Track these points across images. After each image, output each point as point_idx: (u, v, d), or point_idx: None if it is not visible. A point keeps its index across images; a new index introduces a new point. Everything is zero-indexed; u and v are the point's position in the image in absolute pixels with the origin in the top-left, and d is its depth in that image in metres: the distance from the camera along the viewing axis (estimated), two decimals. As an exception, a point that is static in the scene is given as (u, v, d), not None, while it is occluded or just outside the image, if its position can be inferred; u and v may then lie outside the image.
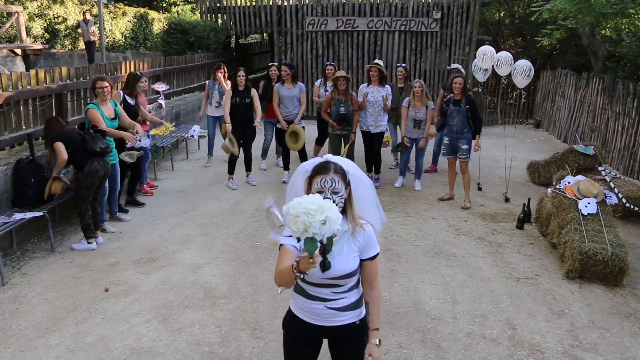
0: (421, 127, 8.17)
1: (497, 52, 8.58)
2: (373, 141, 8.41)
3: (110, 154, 6.30)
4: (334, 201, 2.46)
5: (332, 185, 2.52)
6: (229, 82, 9.24)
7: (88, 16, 14.70)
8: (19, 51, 11.72)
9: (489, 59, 8.57)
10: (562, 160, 8.27)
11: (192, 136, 9.74)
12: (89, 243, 5.98)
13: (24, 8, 13.04)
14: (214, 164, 9.64)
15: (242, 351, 4.17)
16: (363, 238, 2.63)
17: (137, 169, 7.41)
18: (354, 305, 2.71)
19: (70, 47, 15.67)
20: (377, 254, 2.70)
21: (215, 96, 9.42)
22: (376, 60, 8.90)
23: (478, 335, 4.45)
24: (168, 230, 6.66)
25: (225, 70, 9.45)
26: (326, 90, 9.03)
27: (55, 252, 5.95)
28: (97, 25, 14.90)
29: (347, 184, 2.59)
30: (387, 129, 8.54)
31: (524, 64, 8.16)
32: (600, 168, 7.68)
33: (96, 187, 6.01)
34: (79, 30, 14.71)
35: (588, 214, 5.97)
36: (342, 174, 2.57)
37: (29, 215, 5.76)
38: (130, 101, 7.14)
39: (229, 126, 8.12)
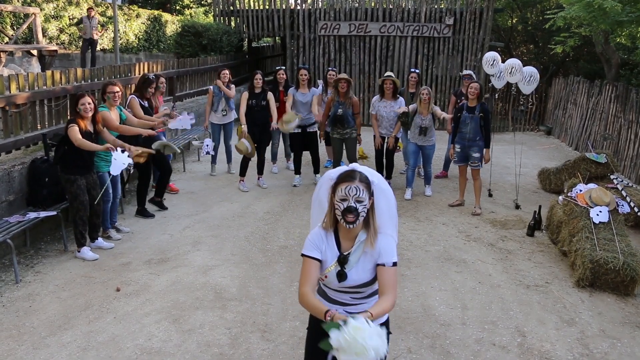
0: (427, 134, 8.07)
1: (509, 58, 8.57)
2: (386, 146, 8.42)
3: (110, 162, 6.07)
4: (357, 209, 2.51)
5: (356, 194, 2.52)
6: (232, 86, 9.19)
7: (93, 12, 14.27)
8: (34, 52, 11.84)
9: (486, 65, 8.56)
10: (574, 168, 8.24)
11: (208, 152, 9.09)
12: (78, 252, 5.87)
13: (41, 10, 13.15)
14: (219, 173, 9.44)
15: (252, 353, 4.19)
16: (379, 245, 2.60)
17: (167, 166, 7.40)
18: None
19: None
20: (393, 263, 2.61)
21: (221, 103, 8.94)
22: (388, 73, 8.83)
23: (487, 342, 4.45)
24: (179, 232, 6.70)
25: (228, 74, 9.05)
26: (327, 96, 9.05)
27: (68, 251, 6.01)
28: (107, 28, 14.81)
29: (371, 194, 2.58)
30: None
31: (529, 70, 8.15)
32: (612, 176, 7.66)
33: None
34: (81, 26, 14.38)
35: (599, 222, 5.95)
36: (367, 183, 2.57)
37: (43, 214, 5.81)
38: (144, 104, 7.18)
39: (244, 127, 8.13)
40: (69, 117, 5.81)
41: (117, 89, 6.26)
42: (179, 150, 7.33)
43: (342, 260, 2.61)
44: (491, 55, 8.63)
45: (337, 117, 8.06)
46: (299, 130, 8.57)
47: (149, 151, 6.48)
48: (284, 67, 9.34)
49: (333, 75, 9.09)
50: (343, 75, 8.15)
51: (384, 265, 2.58)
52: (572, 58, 16.96)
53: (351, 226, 2.56)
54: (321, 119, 8.39)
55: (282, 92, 8.89)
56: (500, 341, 4.48)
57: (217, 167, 9.46)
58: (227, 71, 9.02)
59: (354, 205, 2.52)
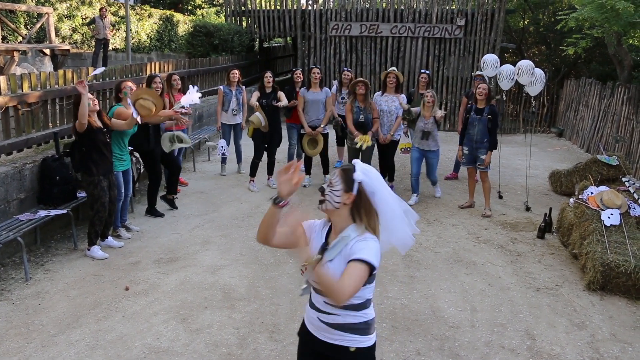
0: (429, 139, 7.80)
1: (520, 59, 8.55)
2: (387, 149, 8.27)
3: (123, 161, 6.21)
4: (324, 190, 2.50)
5: (332, 179, 2.52)
6: (243, 87, 9.19)
7: (105, 12, 14.34)
8: (47, 51, 11.93)
9: (489, 67, 8.59)
10: (585, 170, 8.17)
11: (224, 154, 9.04)
12: (89, 250, 5.88)
13: (54, 9, 13.25)
14: (229, 173, 9.48)
15: (260, 354, 4.19)
16: (356, 246, 2.43)
17: (175, 164, 7.42)
18: (349, 328, 2.52)
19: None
20: (361, 260, 2.36)
21: (232, 103, 8.92)
22: (392, 68, 8.79)
23: (497, 345, 4.42)
24: (189, 231, 6.72)
25: (237, 74, 9.01)
26: (343, 98, 9.01)
27: (78, 250, 6.04)
28: (118, 28, 14.83)
29: (350, 188, 2.46)
30: (408, 135, 8.41)
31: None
32: (624, 179, 7.59)
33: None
34: (93, 26, 14.44)
35: (611, 225, 5.90)
36: (347, 175, 2.47)
37: (53, 212, 5.85)
38: None
39: (256, 103, 8.10)
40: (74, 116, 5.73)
41: (130, 83, 6.26)
42: (190, 142, 7.32)
43: (323, 251, 2.52)
44: (483, 59, 8.77)
45: (359, 124, 7.77)
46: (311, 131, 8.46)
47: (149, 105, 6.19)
48: (300, 68, 9.29)
49: (348, 75, 9.05)
50: (361, 79, 7.89)
51: (350, 260, 2.40)
52: (584, 60, 16.85)
53: (320, 206, 2.52)
54: (350, 128, 7.93)
55: (299, 93, 8.84)
56: (509, 344, 4.44)
57: (227, 167, 9.47)
58: (236, 71, 9.00)
59: (324, 187, 2.52)
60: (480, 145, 7.48)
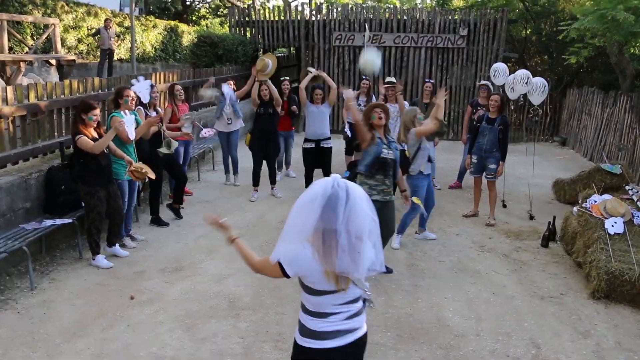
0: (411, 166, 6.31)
1: (522, 68, 8.58)
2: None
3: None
4: None
5: None
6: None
7: (110, 23, 14.58)
8: (53, 62, 12.02)
9: (500, 76, 8.61)
10: (588, 178, 8.17)
11: (205, 134, 8.62)
12: (94, 259, 5.89)
13: (60, 20, 13.37)
14: (233, 182, 9.44)
15: (265, 362, 4.20)
16: None
17: (181, 175, 7.49)
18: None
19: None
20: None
21: (226, 110, 8.87)
22: (389, 78, 8.62)
23: (502, 354, 4.42)
24: (194, 240, 6.73)
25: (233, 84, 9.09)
26: (359, 104, 8.97)
27: (83, 259, 6.05)
28: (123, 38, 14.90)
29: None
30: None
31: (537, 81, 8.16)
32: (627, 187, 7.60)
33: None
34: (98, 37, 14.60)
35: (615, 233, 5.90)
36: None
37: (59, 222, 5.87)
38: (151, 113, 7.07)
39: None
40: (72, 127, 5.73)
41: (132, 93, 6.29)
42: (176, 144, 7.26)
43: None
44: (494, 67, 8.76)
45: (381, 161, 5.35)
46: (312, 145, 8.12)
47: (144, 172, 6.16)
48: (287, 78, 9.36)
49: (367, 84, 9.00)
50: (377, 102, 6.38)
51: None
52: (586, 69, 16.86)
53: None
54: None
55: (286, 103, 8.89)
56: (514, 353, 4.44)
57: (231, 176, 9.48)
58: (231, 82, 9.10)
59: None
60: (490, 155, 7.48)
